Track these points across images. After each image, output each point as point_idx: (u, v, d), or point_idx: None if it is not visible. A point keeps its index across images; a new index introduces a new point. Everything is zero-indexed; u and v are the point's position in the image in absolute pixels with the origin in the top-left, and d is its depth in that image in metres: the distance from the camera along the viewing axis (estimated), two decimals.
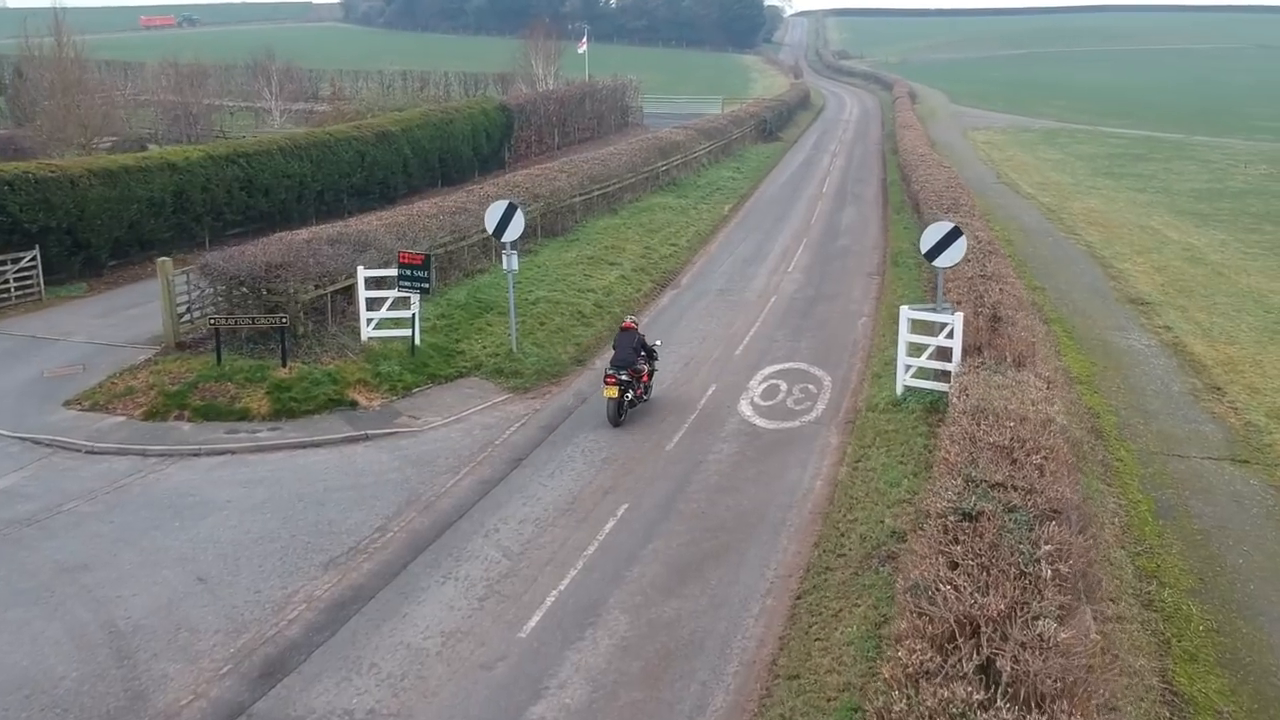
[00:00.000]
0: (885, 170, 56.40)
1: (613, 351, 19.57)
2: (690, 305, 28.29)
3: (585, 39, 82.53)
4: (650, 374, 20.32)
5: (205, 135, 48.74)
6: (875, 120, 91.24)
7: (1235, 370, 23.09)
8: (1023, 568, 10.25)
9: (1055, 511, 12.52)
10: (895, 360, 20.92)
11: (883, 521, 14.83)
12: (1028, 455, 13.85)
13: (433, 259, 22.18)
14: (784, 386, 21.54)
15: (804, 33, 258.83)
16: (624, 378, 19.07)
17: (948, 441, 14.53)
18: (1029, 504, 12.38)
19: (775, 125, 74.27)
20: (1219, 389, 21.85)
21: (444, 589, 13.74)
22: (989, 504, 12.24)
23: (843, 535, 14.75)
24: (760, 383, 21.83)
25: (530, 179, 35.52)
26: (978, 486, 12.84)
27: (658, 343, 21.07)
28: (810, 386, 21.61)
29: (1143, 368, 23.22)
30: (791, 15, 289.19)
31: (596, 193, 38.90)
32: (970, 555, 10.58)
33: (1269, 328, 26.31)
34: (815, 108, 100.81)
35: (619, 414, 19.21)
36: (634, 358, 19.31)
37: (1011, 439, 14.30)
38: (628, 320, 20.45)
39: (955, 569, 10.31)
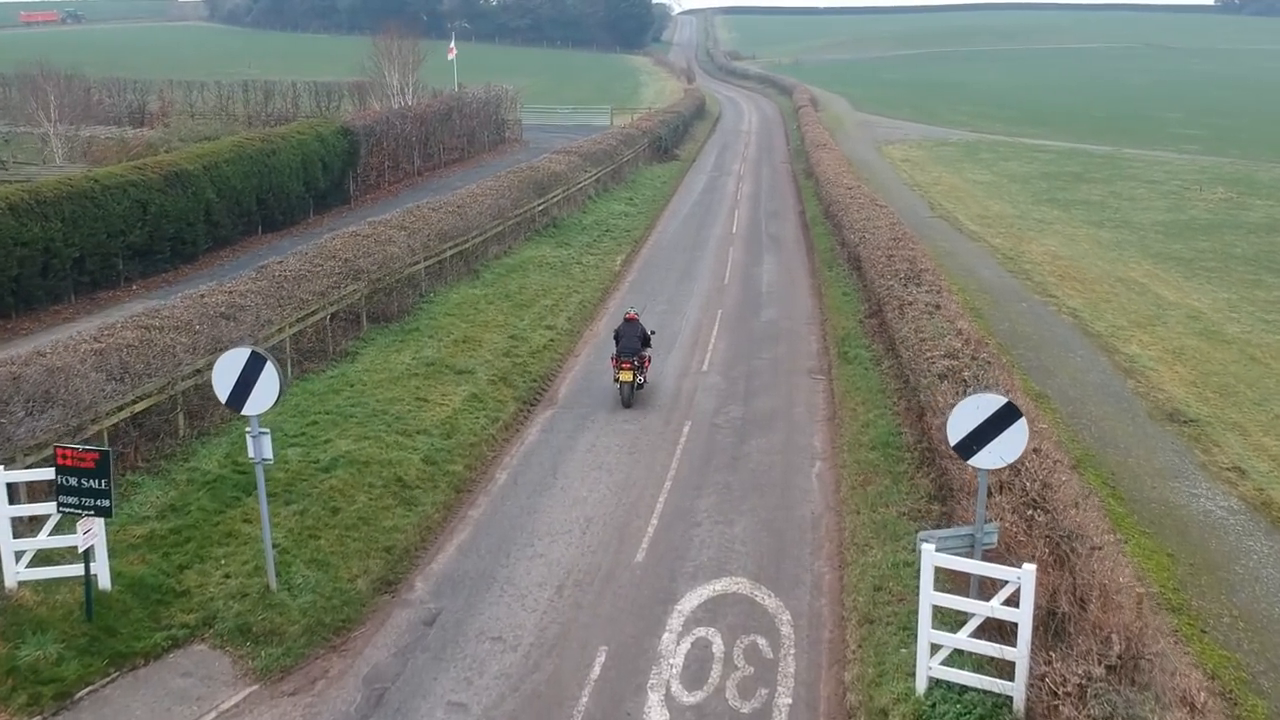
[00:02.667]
0: (801, 199, 48.67)
1: (615, 343, 21.81)
2: (568, 445, 19.68)
3: (454, 43, 73.13)
4: (649, 360, 22.52)
5: None
6: (778, 131, 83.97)
7: None
8: None
9: None
10: (900, 604, 12.89)
11: None
12: None
13: (113, 456, 13.10)
14: (719, 649, 13.08)
15: (693, 32, 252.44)
16: (636, 363, 21.39)
17: None
18: None
19: (671, 141, 66.22)
20: None
21: None
22: None
23: None
24: (680, 638, 13.32)
25: (353, 244, 26.45)
26: None
27: (653, 331, 23.11)
28: (761, 642, 13.20)
29: (1244, 562, 15.47)
30: (680, 14, 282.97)
31: (450, 253, 30.06)
32: None
33: None
34: (711, 116, 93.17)
35: (631, 396, 21.59)
36: (640, 346, 21.58)
37: None
38: (630, 312, 22.42)
39: None
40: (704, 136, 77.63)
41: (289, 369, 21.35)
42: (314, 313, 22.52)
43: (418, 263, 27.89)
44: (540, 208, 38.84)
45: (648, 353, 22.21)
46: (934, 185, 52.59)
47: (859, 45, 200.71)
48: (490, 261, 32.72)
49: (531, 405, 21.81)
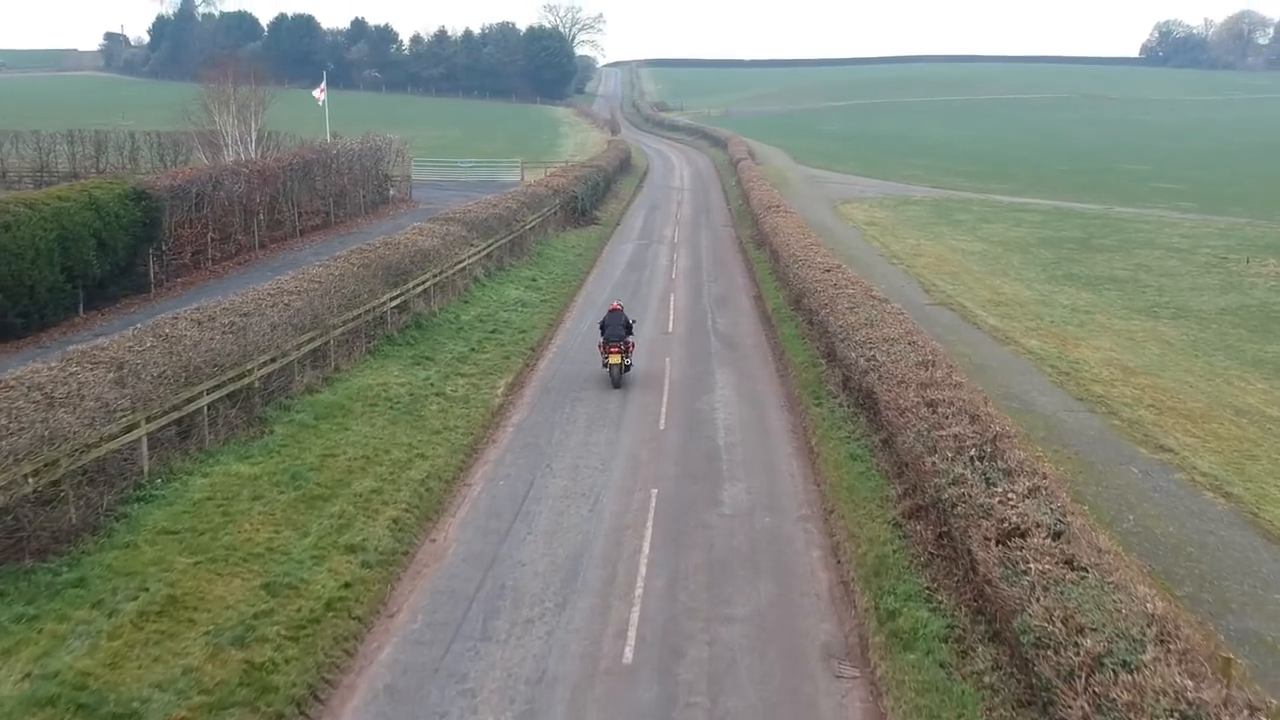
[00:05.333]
0: (755, 278, 37.76)
1: (601, 331, 24.09)
2: None
3: (323, 86, 61.53)
4: (633, 345, 24.62)
5: None
6: (715, 187, 73.57)
7: None
8: None
9: None
10: None
11: None
12: None
13: None
14: None
15: (618, 83, 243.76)
16: (622, 347, 23.76)
17: None
18: None
19: (590, 201, 55.09)
20: None
21: None
22: None
23: None
24: None
25: None
26: None
27: (634, 320, 25.39)
28: None
29: None
30: (605, 65, 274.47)
31: (209, 399, 18.24)
32: None
33: None
34: (639, 170, 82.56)
35: (620, 377, 23.86)
36: (624, 333, 23.96)
37: None
38: (615, 303, 25.04)
39: None
40: (630, 195, 66.80)
41: None
42: None
43: (134, 426, 16.04)
44: (395, 303, 27.23)
45: (631, 339, 24.43)
46: (916, 257, 42.06)
47: (790, 97, 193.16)
48: (295, 399, 20.96)
49: None
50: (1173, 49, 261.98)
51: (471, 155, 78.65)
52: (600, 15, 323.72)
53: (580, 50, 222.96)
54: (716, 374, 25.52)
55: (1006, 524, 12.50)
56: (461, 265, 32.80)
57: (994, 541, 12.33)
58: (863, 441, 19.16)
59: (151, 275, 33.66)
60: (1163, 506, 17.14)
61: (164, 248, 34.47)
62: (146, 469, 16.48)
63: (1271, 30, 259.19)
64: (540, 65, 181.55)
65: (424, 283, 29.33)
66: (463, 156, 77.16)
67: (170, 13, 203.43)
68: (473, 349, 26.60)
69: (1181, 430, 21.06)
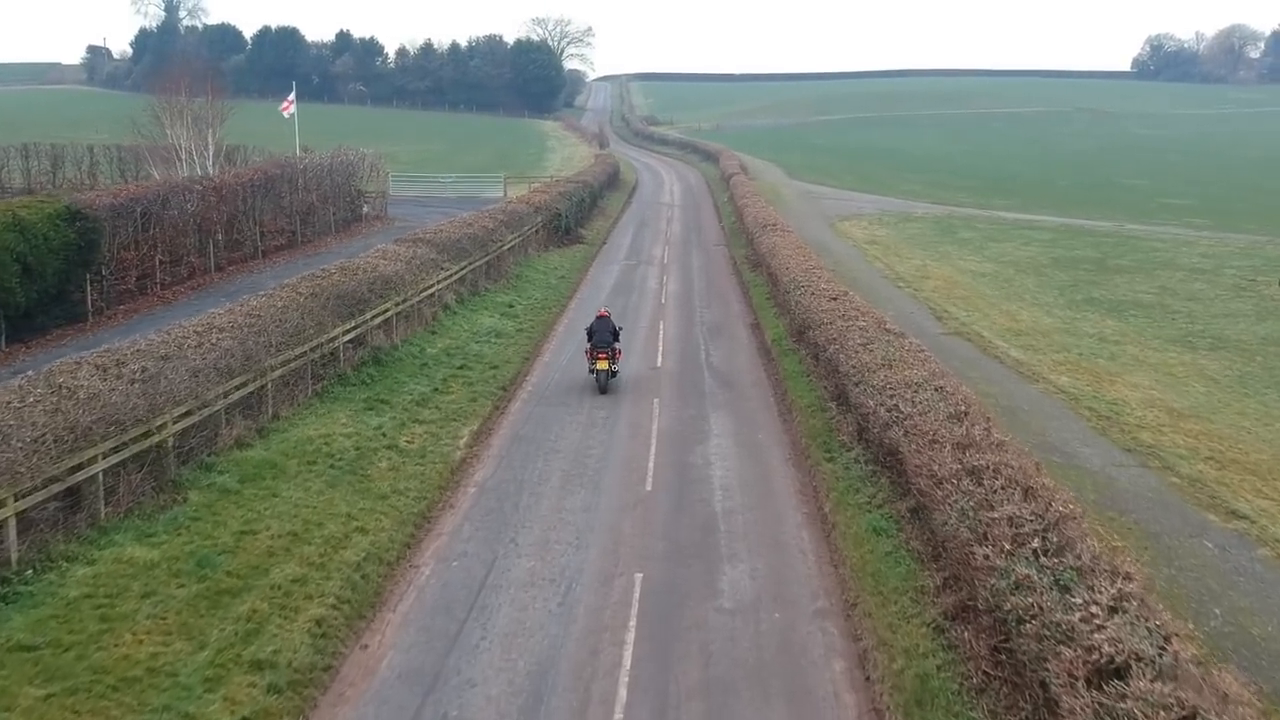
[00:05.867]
0: (751, 304, 34.82)
1: (588, 337, 24.15)
2: None
3: (291, 98, 58.53)
4: (620, 352, 24.67)
5: None
6: (706, 203, 70.73)
7: None
8: None
9: None
10: None
11: None
12: None
13: None
14: None
15: (608, 97, 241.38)
16: (610, 354, 23.79)
17: None
18: None
19: (575, 218, 52.16)
20: None
21: None
22: None
23: None
24: None
25: None
26: None
27: (621, 328, 25.15)
28: None
29: None
30: (595, 80, 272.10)
31: (105, 462, 15.18)
32: None
33: None
34: (627, 185, 79.70)
35: (607, 382, 23.86)
36: (612, 339, 24.09)
37: None
38: (603, 309, 25.04)
39: None
40: (617, 211, 63.92)
41: None
42: None
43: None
44: (349, 336, 24.20)
45: (618, 345, 24.52)
46: (923, 279, 39.18)
47: (781, 110, 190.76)
48: (220, 456, 17.91)
49: None
50: (1164, 63, 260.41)
51: (455, 170, 75.77)
52: (589, 29, 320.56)
53: (569, 64, 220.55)
54: (711, 419, 22.52)
55: (1098, 656, 9.52)
56: (429, 291, 29.80)
57: (1083, 682, 9.35)
58: (886, 509, 16.19)
59: (89, 303, 30.59)
60: (1252, 596, 14.20)
61: (103, 272, 31.41)
62: (15, 558, 13.43)
63: (1263, 44, 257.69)
64: (528, 79, 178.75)
65: (384, 312, 26.30)
66: (446, 171, 74.32)
67: (153, 26, 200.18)
68: (436, 389, 23.57)
69: (1251, 490, 18.14)
